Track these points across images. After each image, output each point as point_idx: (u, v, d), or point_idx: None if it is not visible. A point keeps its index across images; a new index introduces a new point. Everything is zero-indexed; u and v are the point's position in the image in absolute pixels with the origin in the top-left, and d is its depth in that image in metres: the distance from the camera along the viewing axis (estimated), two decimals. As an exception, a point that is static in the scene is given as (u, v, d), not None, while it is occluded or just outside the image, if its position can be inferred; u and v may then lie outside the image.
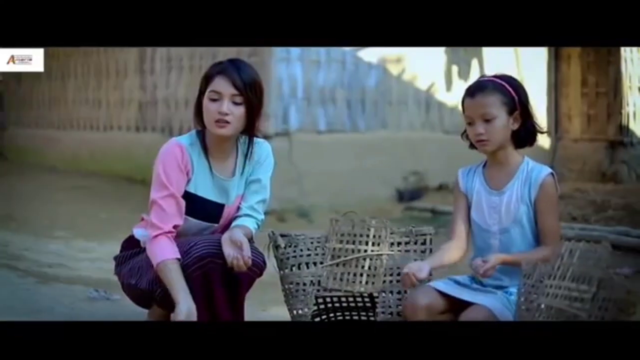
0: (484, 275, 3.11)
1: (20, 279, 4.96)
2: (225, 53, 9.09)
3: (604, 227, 6.78)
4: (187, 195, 3.42)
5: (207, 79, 3.36)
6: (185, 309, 3.16)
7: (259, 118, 3.43)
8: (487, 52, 10.37)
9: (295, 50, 8.74)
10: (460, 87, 10.32)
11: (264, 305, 4.49)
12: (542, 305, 2.80)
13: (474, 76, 10.43)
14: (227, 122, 3.31)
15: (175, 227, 3.36)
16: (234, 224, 3.45)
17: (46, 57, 13.53)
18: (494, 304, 3.12)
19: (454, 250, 3.33)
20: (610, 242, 5.52)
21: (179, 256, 3.28)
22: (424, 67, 9.82)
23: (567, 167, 10.63)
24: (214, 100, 3.32)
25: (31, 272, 5.24)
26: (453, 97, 10.17)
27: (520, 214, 3.22)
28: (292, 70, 8.77)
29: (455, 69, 10.25)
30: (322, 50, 8.92)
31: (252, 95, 3.33)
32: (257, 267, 3.39)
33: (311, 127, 8.96)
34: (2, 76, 15.03)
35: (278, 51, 8.59)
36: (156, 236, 3.33)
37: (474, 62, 10.38)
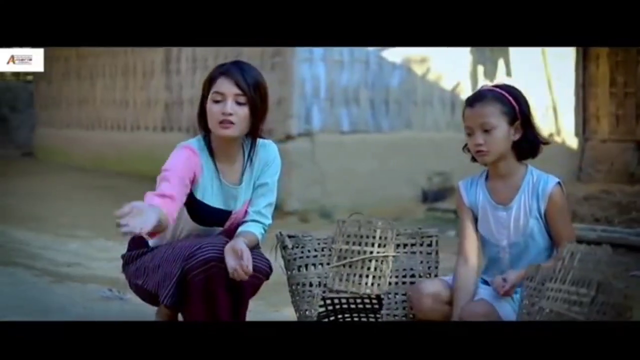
0: (505, 295, 3.06)
1: (36, 278, 4.99)
2: (249, 53, 9.12)
3: (626, 229, 6.69)
4: (195, 202, 3.41)
5: (210, 81, 3.35)
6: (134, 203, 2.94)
7: (263, 119, 3.42)
8: (514, 51, 10.28)
9: (318, 51, 8.69)
10: (486, 87, 10.25)
11: (276, 306, 4.49)
12: (543, 309, 2.77)
13: (500, 76, 10.36)
14: (232, 123, 3.29)
15: (176, 199, 3.23)
16: (240, 229, 3.44)
17: (76, 57, 13.71)
18: (496, 299, 3.10)
19: (469, 279, 3.22)
20: (630, 244, 5.48)
21: (165, 210, 3.15)
22: (449, 67, 9.75)
23: (595, 167, 10.53)
24: (217, 101, 3.31)
25: (47, 271, 5.26)
26: (478, 97, 10.10)
27: (530, 228, 3.16)
28: (315, 71, 8.73)
29: (481, 68, 10.17)
30: (345, 50, 8.87)
31: (255, 95, 3.32)
32: (261, 273, 3.37)
33: (334, 128, 8.91)
34: (32, 76, 15.21)
35: (301, 51, 8.55)
36: (157, 195, 3.20)
37: (500, 62, 10.30)
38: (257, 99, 3.33)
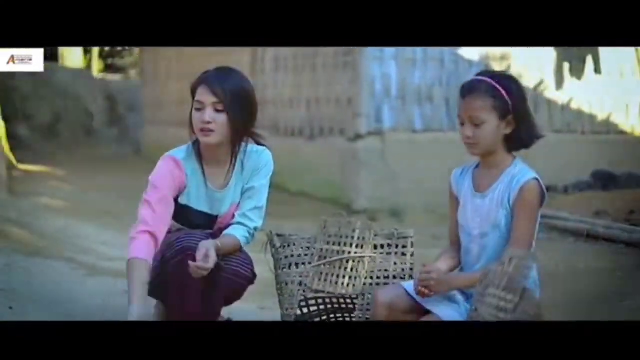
0: (426, 288, 3.05)
1: (71, 271, 5.18)
2: (324, 52, 9.19)
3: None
4: (180, 207, 3.49)
5: (192, 90, 3.42)
6: (136, 314, 3.17)
7: (248, 125, 3.45)
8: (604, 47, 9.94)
9: (389, 49, 8.66)
10: (572, 85, 9.95)
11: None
12: (479, 315, 2.72)
13: (588, 73, 10.04)
14: (211, 131, 3.35)
15: (159, 232, 3.37)
16: (224, 232, 3.50)
17: (176, 58, 13.92)
18: (451, 315, 3.03)
19: (449, 260, 3.24)
20: None
21: (151, 261, 3.31)
22: (531, 64, 9.52)
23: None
24: (198, 109, 3.38)
25: (85, 265, 5.45)
26: (564, 95, 9.82)
27: (499, 219, 3.08)
28: (385, 69, 8.70)
29: (566, 66, 9.88)
30: (418, 48, 8.80)
31: (233, 102, 3.34)
32: (238, 276, 3.44)
33: (406, 126, 8.86)
34: (140, 76, 15.73)
35: (371, 50, 8.55)
36: (141, 232, 3.35)
37: (589, 59, 9.97)
38: (235, 105, 3.34)
